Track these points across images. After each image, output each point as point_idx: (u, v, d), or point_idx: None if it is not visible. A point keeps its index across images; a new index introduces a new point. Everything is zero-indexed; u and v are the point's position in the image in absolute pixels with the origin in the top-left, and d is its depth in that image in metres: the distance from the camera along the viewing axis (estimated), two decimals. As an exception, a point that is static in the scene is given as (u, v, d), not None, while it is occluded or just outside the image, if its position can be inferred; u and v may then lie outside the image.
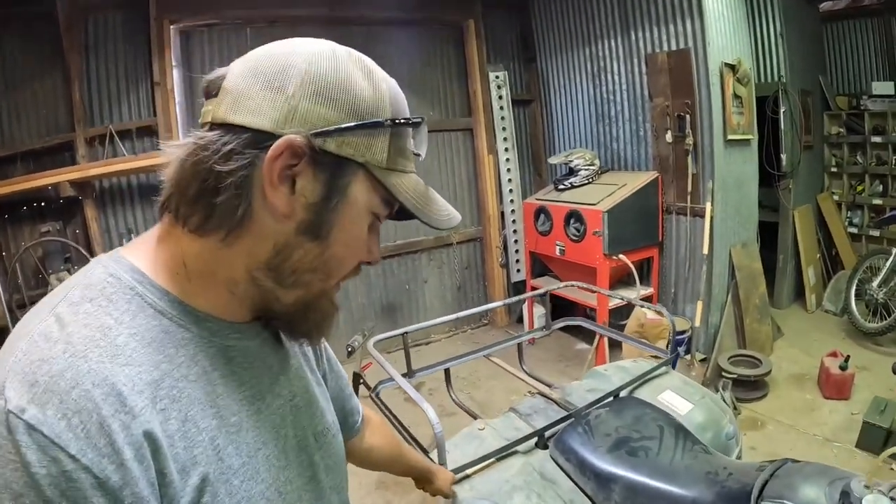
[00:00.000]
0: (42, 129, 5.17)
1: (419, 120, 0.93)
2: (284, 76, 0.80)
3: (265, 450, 0.90)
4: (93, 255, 5.00)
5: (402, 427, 2.40)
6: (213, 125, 0.82)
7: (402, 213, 0.95)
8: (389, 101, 0.88)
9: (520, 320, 7.24)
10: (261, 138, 0.78)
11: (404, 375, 2.59)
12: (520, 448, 2.17)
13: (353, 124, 0.82)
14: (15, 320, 4.58)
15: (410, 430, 2.39)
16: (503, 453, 2.12)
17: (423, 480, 1.75)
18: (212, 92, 0.84)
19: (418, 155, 0.97)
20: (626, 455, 1.96)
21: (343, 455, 1.16)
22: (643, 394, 2.49)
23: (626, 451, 1.98)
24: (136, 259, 0.85)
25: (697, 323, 5.35)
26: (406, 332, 2.72)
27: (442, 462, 1.96)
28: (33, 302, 4.11)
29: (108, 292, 0.79)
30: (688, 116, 5.36)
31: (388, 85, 0.90)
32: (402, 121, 0.88)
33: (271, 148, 0.78)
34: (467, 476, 2.03)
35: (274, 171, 0.78)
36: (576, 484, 2.03)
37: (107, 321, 0.76)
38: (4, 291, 4.83)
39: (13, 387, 0.66)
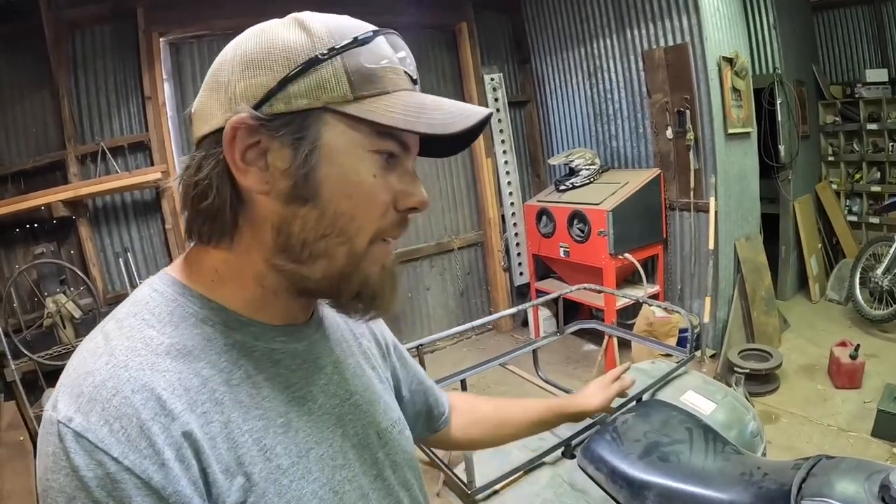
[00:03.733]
0: (32, 148, 5.11)
1: (369, 34, 0.83)
2: (220, 71, 0.83)
3: (318, 449, 0.88)
4: (89, 276, 5.07)
5: (425, 450, 2.39)
6: (196, 147, 0.86)
7: (432, 146, 0.94)
8: (329, 33, 0.81)
9: (524, 323, 7.27)
10: (219, 136, 0.80)
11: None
12: (547, 459, 2.15)
13: (289, 74, 0.79)
14: (11, 345, 4.60)
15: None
16: (531, 466, 2.10)
17: (563, 419, 1.65)
18: (192, 123, 0.88)
19: (407, 74, 0.88)
20: (658, 461, 1.94)
21: (412, 451, 1.12)
22: (665, 395, 2.47)
23: (658, 456, 1.95)
24: (178, 274, 0.88)
25: (706, 319, 5.35)
26: (421, 345, 2.70)
27: (471, 479, 1.95)
28: (29, 326, 4.12)
29: (152, 306, 0.82)
30: (687, 112, 5.35)
31: (324, 21, 0.83)
32: (347, 43, 0.81)
33: (223, 137, 0.80)
34: (496, 492, 2.01)
35: (235, 155, 0.80)
36: (607, 493, 2.00)
37: (149, 333, 0.78)
38: (1, 317, 4.78)
39: (63, 399, 0.70)
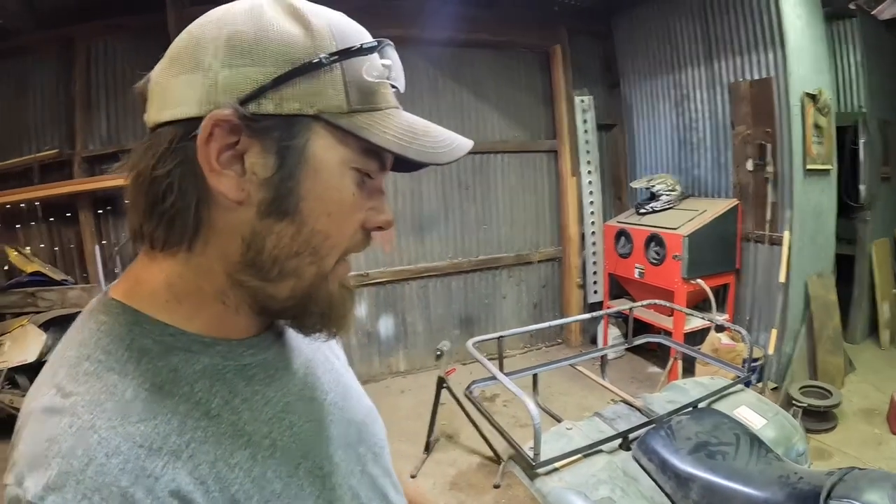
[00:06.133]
0: (147, 130, 5.52)
1: (374, 43, 0.77)
2: (198, 51, 0.73)
3: (305, 462, 0.84)
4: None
5: (496, 425, 2.62)
6: (151, 132, 0.77)
7: (402, 162, 0.85)
8: (331, 35, 0.74)
9: (593, 341, 7.39)
10: (190, 127, 0.72)
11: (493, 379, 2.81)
12: (604, 448, 2.36)
13: (285, 72, 0.71)
14: None
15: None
16: (590, 450, 2.31)
17: None
18: (145, 99, 0.80)
19: (395, 87, 0.83)
20: (705, 458, 2.14)
21: (384, 437, 1.09)
22: (720, 407, 2.64)
23: (705, 454, 2.15)
24: (126, 297, 0.79)
25: (771, 351, 5.38)
26: (502, 337, 2.93)
27: (537, 453, 2.16)
28: None
29: (104, 343, 0.73)
30: (768, 145, 5.40)
31: (325, 18, 0.76)
32: (352, 49, 0.74)
33: (199, 131, 0.71)
34: (556, 469, 2.23)
35: (210, 155, 0.71)
36: (656, 483, 2.21)
37: (109, 379, 0.70)
38: (105, 278, 5.35)
39: (30, 475, 0.62)
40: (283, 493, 0.78)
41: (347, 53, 0.74)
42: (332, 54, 0.72)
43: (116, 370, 0.71)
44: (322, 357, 1.02)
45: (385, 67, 0.78)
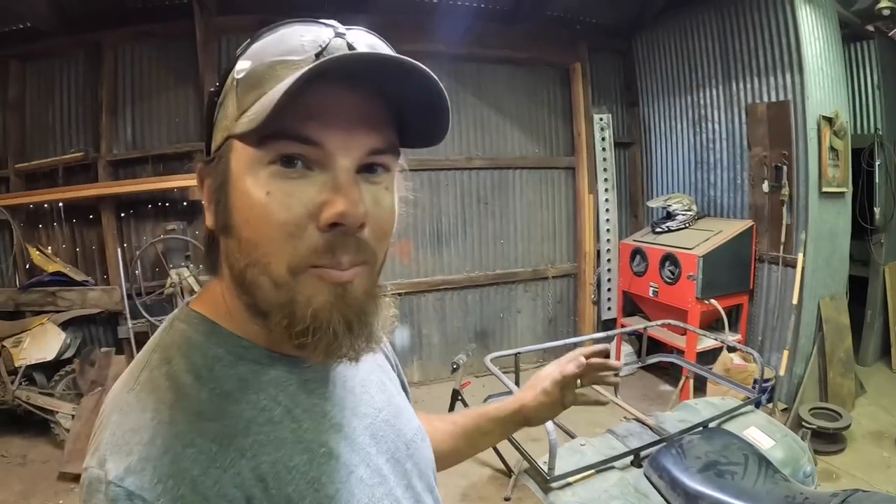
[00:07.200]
0: (172, 135, 5.75)
1: (248, 41, 0.81)
2: None
3: (357, 471, 0.88)
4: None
5: (511, 439, 2.68)
6: None
7: (410, 136, 0.85)
8: (247, 58, 0.79)
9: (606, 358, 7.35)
10: None
11: (508, 393, 2.87)
12: (616, 464, 2.42)
13: (214, 113, 0.83)
14: (132, 307, 5.32)
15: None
16: (602, 466, 2.37)
17: (506, 423, 1.46)
18: None
19: (322, 54, 0.74)
20: (714, 477, 2.19)
21: (431, 456, 1.12)
22: (730, 427, 2.69)
23: (714, 473, 2.21)
24: (204, 309, 0.88)
25: (782, 372, 5.38)
26: (518, 353, 2.98)
27: (552, 467, 2.22)
28: (149, 293, 5.06)
29: (184, 350, 0.81)
30: (784, 167, 5.42)
31: (259, 47, 0.79)
32: (234, 57, 0.81)
33: None
34: (569, 484, 2.29)
35: (203, 197, 0.85)
36: (666, 500, 2.27)
37: (187, 380, 0.78)
38: (125, 280, 5.45)
39: (112, 458, 0.69)
40: (335, 497, 0.82)
41: (232, 63, 0.81)
42: (228, 75, 0.80)
43: (193, 374, 0.78)
44: (377, 378, 1.07)
45: (290, 45, 0.75)
